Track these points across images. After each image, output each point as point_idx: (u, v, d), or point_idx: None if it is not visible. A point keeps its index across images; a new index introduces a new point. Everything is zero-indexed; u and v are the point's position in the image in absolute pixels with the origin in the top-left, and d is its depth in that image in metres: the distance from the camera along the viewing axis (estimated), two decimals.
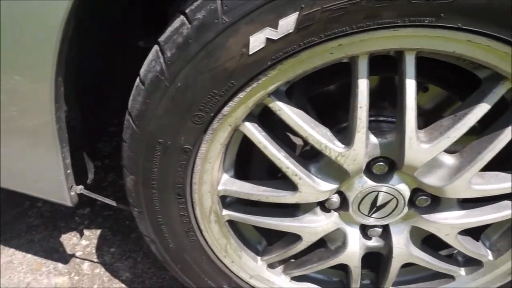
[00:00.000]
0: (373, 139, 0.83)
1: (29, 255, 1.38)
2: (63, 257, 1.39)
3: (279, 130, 0.89)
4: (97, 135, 1.44)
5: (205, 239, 0.99)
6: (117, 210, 1.53)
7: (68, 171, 0.94)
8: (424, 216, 0.92)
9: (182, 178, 0.87)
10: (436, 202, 0.91)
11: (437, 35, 0.66)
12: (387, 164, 0.86)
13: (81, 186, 1.01)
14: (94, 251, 1.40)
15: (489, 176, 0.86)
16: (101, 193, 1.09)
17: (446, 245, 0.98)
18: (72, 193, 0.98)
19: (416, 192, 0.90)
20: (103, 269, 1.35)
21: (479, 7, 0.63)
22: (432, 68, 0.83)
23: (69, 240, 1.44)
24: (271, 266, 1.09)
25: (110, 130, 1.79)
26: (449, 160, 0.84)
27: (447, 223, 0.92)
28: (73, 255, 1.39)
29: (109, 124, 1.79)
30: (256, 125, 0.84)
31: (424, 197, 0.89)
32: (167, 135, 0.80)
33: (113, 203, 1.09)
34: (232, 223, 1.02)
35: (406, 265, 1.03)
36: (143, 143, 0.83)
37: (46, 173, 0.93)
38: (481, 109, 0.75)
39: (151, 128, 0.80)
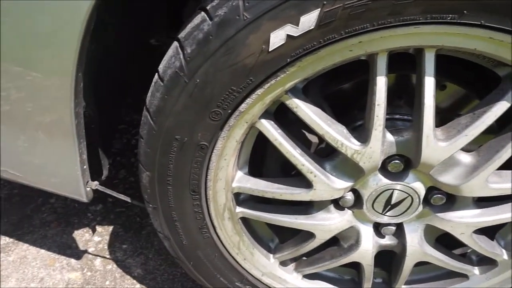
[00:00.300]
0: (390, 136, 0.83)
1: (42, 251, 1.39)
2: (76, 253, 1.39)
3: (293, 128, 0.89)
4: (111, 131, 1.45)
5: (218, 236, 0.99)
6: (129, 207, 1.54)
7: (85, 167, 0.94)
8: (439, 214, 0.92)
9: (197, 175, 0.87)
10: (451, 201, 0.91)
11: (458, 32, 0.66)
12: (402, 162, 0.85)
13: (96, 182, 1.02)
14: (106, 247, 1.41)
15: (506, 175, 0.85)
16: (112, 190, 1.09)
17: (460, 244, 0.98)
18: (88, 189, 0.99)
19: (431, 190, 0.89)
20: (115, 266, 1.36)
21: (503, 3, 0.62)
22: (450, 66, 0.83)
23: (82, 236, 1.45)
24: (283, 263, 1.09)
25: (120, 127, 1.80)
26: (466, 158, 0.84)
27: (462, 221, 0.91)
28: (85, 251, 1.40)
29: (120, 122, 1.80)
30: (272, 122, 0.84)
31: (439, 195, 0.89)
32: (184, 131, 0.81)
33: (128, 199, 1.10)
34: (245, 220, 1.02)
35: (419, 264, 1.02)
36: (160, 139, 0.83)
37: (63, 168, 0.94)
38: (501, 107, 0.75)
39: (169, 124, 0.80)
